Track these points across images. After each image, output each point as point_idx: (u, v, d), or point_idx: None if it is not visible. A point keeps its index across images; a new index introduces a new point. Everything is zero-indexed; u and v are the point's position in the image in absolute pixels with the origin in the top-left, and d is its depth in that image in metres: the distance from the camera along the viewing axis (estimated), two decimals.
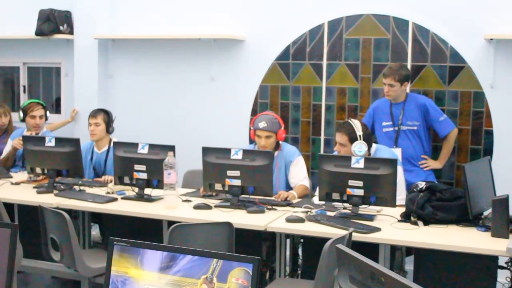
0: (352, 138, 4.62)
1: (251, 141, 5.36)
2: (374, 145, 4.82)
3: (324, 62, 6.11)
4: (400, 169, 4.57)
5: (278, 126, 4.98)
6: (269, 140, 4.95)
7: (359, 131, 4.62)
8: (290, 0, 6.29)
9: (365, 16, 5.93)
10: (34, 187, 5.07)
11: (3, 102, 6.92)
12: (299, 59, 6.22)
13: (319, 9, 6.13)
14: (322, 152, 6.12)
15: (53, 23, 7.14)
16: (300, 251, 4.71)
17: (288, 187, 5.03)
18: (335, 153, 4.81)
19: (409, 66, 5.68)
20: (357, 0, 5.99)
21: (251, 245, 4.32)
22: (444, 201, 4.04)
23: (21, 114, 5.90)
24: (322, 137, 6.19)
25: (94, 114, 5.60)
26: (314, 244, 4.26)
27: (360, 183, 4.12)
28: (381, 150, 4.79)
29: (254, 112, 6.32)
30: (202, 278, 1.90)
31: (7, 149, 5.97)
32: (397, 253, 4.52)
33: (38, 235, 4.31)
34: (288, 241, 4.56)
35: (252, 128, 5.06)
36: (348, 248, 2.10)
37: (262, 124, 4.96)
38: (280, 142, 5.08)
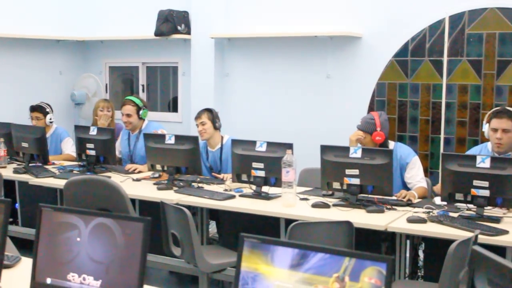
0: None
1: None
2: None
3: (445, 59, 5.93)
4: None
5: (373, 128, 4.92)
6: (363, 140, 4.97)
7: None
8: None
9: (489, 9, 5.71)
10: (154, 184, 5.18)
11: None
12: (418, 56, 6.07)
13: (439, 4, 5.96)
14: (442, 151, 5.93)
15: (172, 24, 7.30)
16: (420, 253, 4.58)
17: (402, 188, 4.89)
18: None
19: None
20: None
21: (370, 245, 4.23)
22: None
23: None
24: (442, 135, 6.00)
25: (198, 115, 5.66)
26: (435, 246, 4.14)
27: (486, 184, 3.94)
28: None
29: (370, 110, 6.21)
30: (334, 276, 1.86)
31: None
32: None
33: (157, 230, 4.38)
34: (408, 242, 4.44)
35: None
36: (486, 250, 2.00)
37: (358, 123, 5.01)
38: (391, 141, 5.02)
